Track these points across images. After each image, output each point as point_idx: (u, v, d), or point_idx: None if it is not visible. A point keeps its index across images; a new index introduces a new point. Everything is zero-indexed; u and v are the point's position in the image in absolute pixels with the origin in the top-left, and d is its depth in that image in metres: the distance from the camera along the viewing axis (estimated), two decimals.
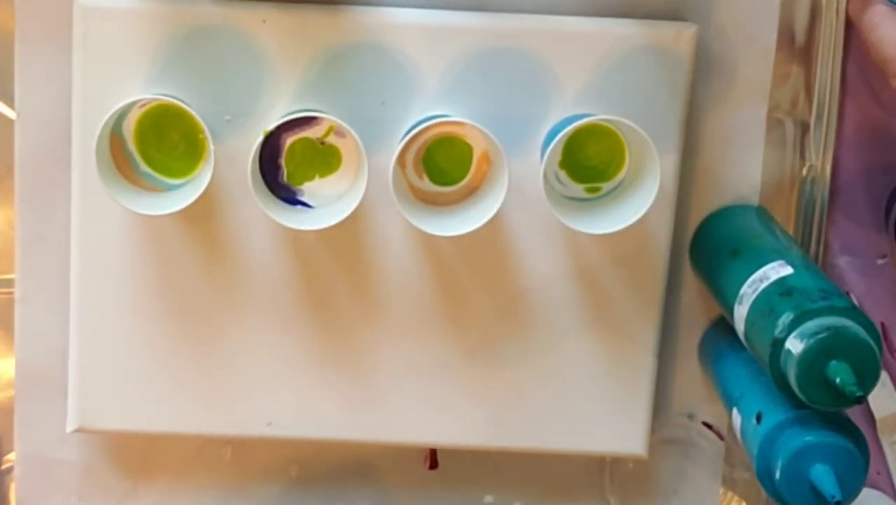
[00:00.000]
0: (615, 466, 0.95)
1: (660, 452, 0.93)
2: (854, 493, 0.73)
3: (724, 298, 0.82)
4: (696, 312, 0.91)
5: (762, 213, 0.88)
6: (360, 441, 0.90)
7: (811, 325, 0.72)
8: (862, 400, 0.71)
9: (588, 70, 0.85)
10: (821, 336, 0.71)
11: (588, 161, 0.85)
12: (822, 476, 0.73)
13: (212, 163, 0.81)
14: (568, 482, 0.95)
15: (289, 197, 0.85)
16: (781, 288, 0.76)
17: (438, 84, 0.85)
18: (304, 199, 0.85)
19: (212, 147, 0.81)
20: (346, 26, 0.84)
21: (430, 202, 0.86)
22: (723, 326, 0.88)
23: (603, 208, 0.84)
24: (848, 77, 0.90)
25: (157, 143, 0.84)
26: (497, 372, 0.89)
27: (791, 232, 0.91)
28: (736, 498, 0.96)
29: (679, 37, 0.84)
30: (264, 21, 0.83)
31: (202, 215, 0.85)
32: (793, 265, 0.78)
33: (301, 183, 0.85)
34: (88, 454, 0.93)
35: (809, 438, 0.74)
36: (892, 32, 0.76)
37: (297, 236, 0.85)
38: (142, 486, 0.94)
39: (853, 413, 0.78)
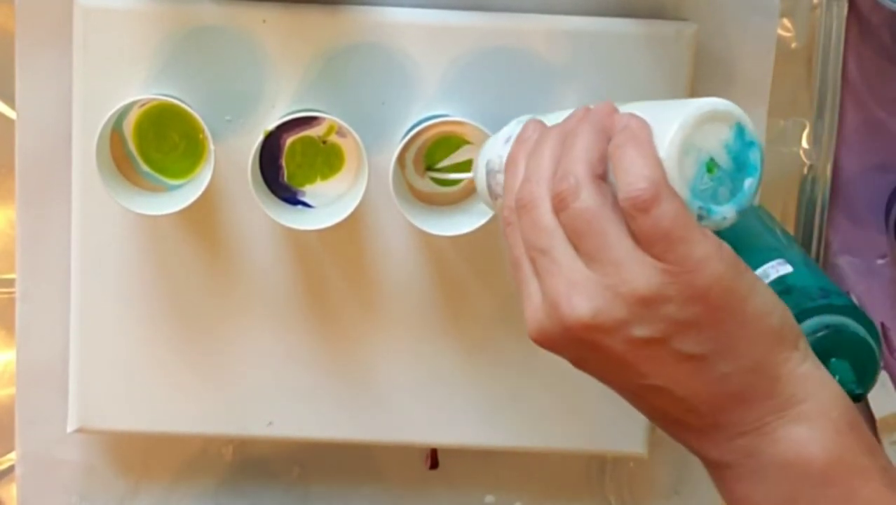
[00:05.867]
0: (616, 465, 0.95)
1: (660, 452, 0.93)
2: None
3: None
4: None
5: (762, 212, 0.88)
6: (360, 441, 0.90)
7: (810, 323, 0.72)
8: (861, 398, 0.71)
9: (588, 70, 0.85)
10: (820, 334, 0.72)
11: None
12: None
13: (212, 163, 0.81)
14: (568, 482, 0.95)
15: (289, 197, 0.85)
16: (781, 286, 0.76)
17: (438, 84, 0.85)
18: (304, 199, 0.85)
19: (212, 147, 0.81)
20: (346, 26, 0.84)
21: (430, 202, 0.86)
22: None
23: None
24: (848, 77, 0.90)
25: (158, 143, 0.84)
26: (497, 372, 0.89)
27: (791, 231, 0.91)
28: None
29: (679, 36, 0.84)
30: (264, 21, 0.83)
31: (202, 215, 0.85)
32: (792, 264, 0.78)
33: (302, 185, 0.85)
34: (89, 454, 0.93)
35: None
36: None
37: (297, 236, 0.85)
38: (143, 486, 0.94)
39: None
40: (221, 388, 0.89)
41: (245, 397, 0.89)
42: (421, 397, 0.89)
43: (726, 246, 0.62)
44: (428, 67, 0.84)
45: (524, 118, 0.73)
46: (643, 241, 0.61)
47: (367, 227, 0.86)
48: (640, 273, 0.61)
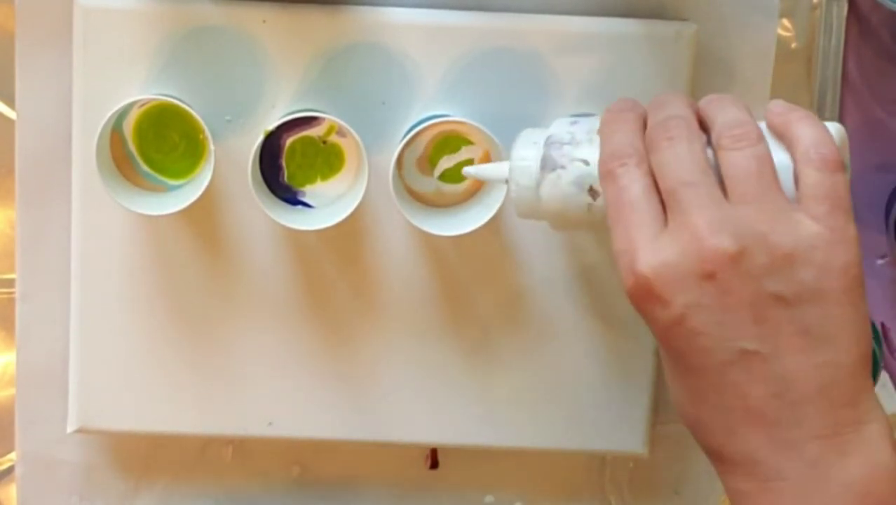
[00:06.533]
0: (616, 465, 0.95)
1: (661, 452, 0.93)
2: None
3: None
4: None
5: None
6: (360, 441, 0.90)
7: None
8: None
9: (588, 70, 0.85)
10: None
11: None
12: None
13: (212, 163, 0.81)
14: (568, 482, 0.95)
15: (289, 197, 0.85)
16: None
17: (438, 84, 0.85)
18: (304, 199, 0.85)
19: (212, 147, 0.81)
20: (346, 26, 0.84)
21: (431, 203, 0.86)
22: None
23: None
24: (848, 77, 0.90)
25: (157, 143, 0.84)
26: (497, 372, 0.89)
27: None
28: None
29: (679, 37, 0.84)
30: (264, 21, 0.83)
31: (202, 215, 0.85)
32: None
33: (303, 185, 0.85)
34: (89, 454, 0.93)
35: None
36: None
37: (297, 236, 0.85)
38: (143, 486, 0.94)
39: None
40: (221, 388, 0.89)
41: (245, 397, 0.89)
42: (421, 397, 0.89)
43: None
44: (428, 67, 0.84)
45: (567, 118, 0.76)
46: (813, 195, 0.63)
47: (367, 228, 0.86)
48: (793, 228, 0.62)
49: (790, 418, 0.63)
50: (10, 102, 0.87)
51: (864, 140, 0.91)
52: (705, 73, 0.87)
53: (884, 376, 0.92)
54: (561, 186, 0.70)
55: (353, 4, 0.84)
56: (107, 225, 0.86)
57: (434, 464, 0.94)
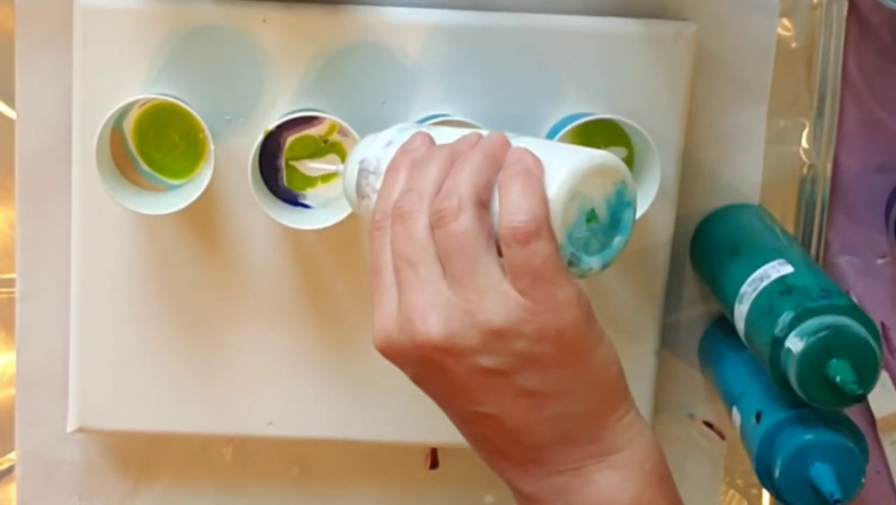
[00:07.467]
0: None
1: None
2: (853, 491, 0.73)
3: (725, 296, 0.82)
4: (696, 311, 0.91)
5: (762, 212, 0.89)
6: (360, 441, 0.90)
7: (811, 323, 0.72)
8: (862, 398, 0.71)
9: (588, 70, 0.85)
10: (821, 335, 0.71)
11: None
12: (822, 475, 0.73)
13: (212, 163, 0.81)
14: None
15: (289, 197, 0.85)
16: (782, 286, 0.76)
17: (438, 84, 0.85)
18: (304, 199, 0.85)
19: (212, 147, 0.81)
20: (346, 26, 0.84)
21: None
22: (723, 325, 0.88)
23: None
24: (848, 77, 0.90)
25: (158, 142, 0.84)
26: None
27: (791, 231, 0.91)
28: (737, 497, 0.96)
29: (679, 36, 0.84)
30: (264, 21, 0.83)
31: (202, 215, 0.85)
32: (793, 264, 0.78)
33: (303, 188, 0.85)
34: (89, 454, 0.93)
35: (809, 436, 0.74)
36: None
37: (297, 236, 0.85)
38: (143, 485, 0.94)
39: (853, 413, 0.78)
40: (221, 387, 0.89)
41: (244, 397, 0.89)
42: (421, 397, 0.89)
43: (585, 295, 0.64)
44: (428, 67, 0.84)
45: (408, 126, 0.74)
46: (512, 272, 0.63)
47: (366, 227, 0.86)
48: (500, 304, 0.63)
49: (533, 459, 0.66)
50: (10, 102, 0.87)
51: (864, 140, 0.91)
52: (705, 73, 0.87)
53: (884, 376, 0.92)
54: (370, 212, 0.70)
55: (353, 4, 0.84)
56: (107, 225, 0.86)
57: (434, 464, 0.94)
